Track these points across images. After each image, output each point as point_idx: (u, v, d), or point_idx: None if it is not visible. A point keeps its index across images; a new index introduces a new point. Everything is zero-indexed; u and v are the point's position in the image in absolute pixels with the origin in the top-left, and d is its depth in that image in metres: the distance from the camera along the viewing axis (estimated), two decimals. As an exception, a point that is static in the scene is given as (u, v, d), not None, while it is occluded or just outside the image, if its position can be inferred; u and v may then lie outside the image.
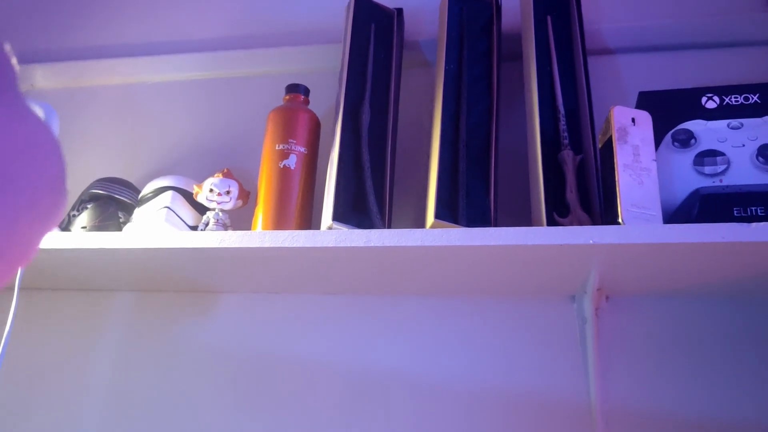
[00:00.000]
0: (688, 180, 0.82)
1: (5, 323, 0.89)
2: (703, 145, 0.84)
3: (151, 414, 0.99)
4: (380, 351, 0.96)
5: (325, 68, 1.15)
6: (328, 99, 1.11)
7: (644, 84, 1.01)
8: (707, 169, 0.83)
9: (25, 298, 1.11)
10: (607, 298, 0.92)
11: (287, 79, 1.14)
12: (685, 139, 0.85)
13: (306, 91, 0.99)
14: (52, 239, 0.88)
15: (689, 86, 0.91)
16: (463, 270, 0.86)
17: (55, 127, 1.02)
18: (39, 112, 1.03)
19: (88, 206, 0.98)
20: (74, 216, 0.98)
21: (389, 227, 0.88)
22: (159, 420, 0.98)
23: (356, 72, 0.96)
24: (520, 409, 0.89)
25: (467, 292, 0.95)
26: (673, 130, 0.86)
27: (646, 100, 0.90)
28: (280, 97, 1.15)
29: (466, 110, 0.91)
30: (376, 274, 0.90)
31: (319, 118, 1.00)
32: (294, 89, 0.99)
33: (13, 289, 0.90)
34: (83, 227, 0.96)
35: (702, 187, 0.78)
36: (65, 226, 0.99)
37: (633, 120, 0.81)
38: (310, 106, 1.00)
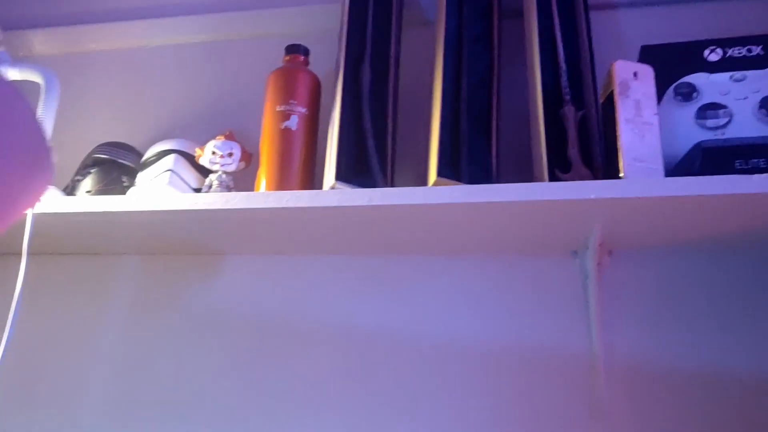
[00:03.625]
0: (690, 134, 0.82)
1: (15, 288, 0.90)
2: (706, 99, 0.84)
3: (159, 375, 1.01)
4: (384, 310, 0.97)
5: (324, 29, 1.14)
6: (328, 60, 1.11)
7: (646, 38, 1.00)
8: (709, 123, 0.82)
9: (33, 263, 1.12)
10: (609, 253, 0.92)
11: (287, 40, 1.13)
12: (688, 93, 0.84)
13: (306, 52, 0.99)
14: (58, 203, 0.88)
15: (692, 39, 0.90)
16: (466, 228, 0.86)
17: (56, 93, 1.02)
18: (39, 78, 1.02)
19: (92, 171, 0.98)
20: (78, 181, 0.99)
21: (392, 186, 0.89)
22: (167, 381, 1.00)
23: (356, 31, 0.95)
24: (524, 363, 0.90)
25: (470, 250, 0.96)
26: (675, 84, 0.86)
27: (648, 54, 0.89)
28: (279, 59, 1.14)
29: (466, 68, 0.90)
30: (379, 234, 0.91)
31: (320, 79, 0.99)
32: (294, 50, 0.98)
33: (21, 254, 0.91)
34: (87, 191, 0.96)
35: (704, 141, 0.78)
36: (70, 191, 1.00)
37: (635, 74, 0.80)
38: (310, 68, 0.99)
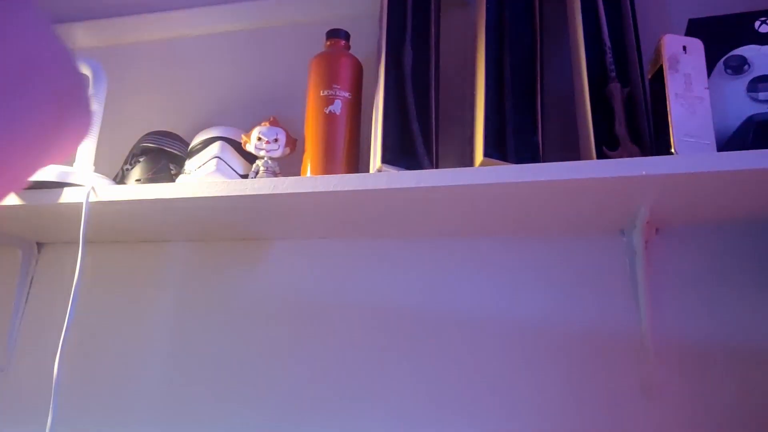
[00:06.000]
0: (742, 107, 0.81)
1: (73, 275, 0.93)
2: (757, 71, 0.82)
3: (209, 359, 1.03)
4: (432, 293, 0.98)
5: (363, 14, 1.14)
6: (367, 44, 1.11)
7: (692, 11, 0.98)
8: (761, 95, 0.81)
9: (89, 251, 1.15)
10: (656, 230, 0.92)
11: (327, 26, 1.14)
12: (738, 66, 0.83)
13: (347, 36, 0.99)
14: (110, 192, 0.91)
15: (741, 11, 0.88)
16: (513, 209, 0.86)
17: (104, 84, 1.04)
18: (87, 70, 1.04)
19: (140, 160, 1.00)
20: (127, 170, 1.01)
21: (436, 168, 0.89)
22: (217, 364, 1.02)
23: (396, 14, 0.95)
24: (573, 343, 0.90)
25: (517, 231, 0.96)
26: (725, 57, 0.84)
27: (695, 28, 0.88)
28: (320, 45, 1.15)
29: (509, 47, 0.90)
30: (424, 217, 0.91)
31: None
32: (335, 34, 0.99)
33: (78, 243, 0.94)
34: (137, 180, 0.98)
35: (756, 114, 0.76)
36: (120, 180, 1.02)
37: (684, 48, 0.79)
38: (350, 52, 0.99)
